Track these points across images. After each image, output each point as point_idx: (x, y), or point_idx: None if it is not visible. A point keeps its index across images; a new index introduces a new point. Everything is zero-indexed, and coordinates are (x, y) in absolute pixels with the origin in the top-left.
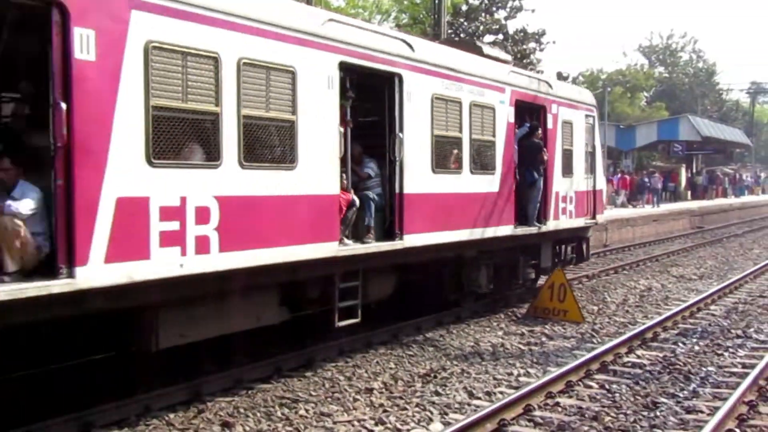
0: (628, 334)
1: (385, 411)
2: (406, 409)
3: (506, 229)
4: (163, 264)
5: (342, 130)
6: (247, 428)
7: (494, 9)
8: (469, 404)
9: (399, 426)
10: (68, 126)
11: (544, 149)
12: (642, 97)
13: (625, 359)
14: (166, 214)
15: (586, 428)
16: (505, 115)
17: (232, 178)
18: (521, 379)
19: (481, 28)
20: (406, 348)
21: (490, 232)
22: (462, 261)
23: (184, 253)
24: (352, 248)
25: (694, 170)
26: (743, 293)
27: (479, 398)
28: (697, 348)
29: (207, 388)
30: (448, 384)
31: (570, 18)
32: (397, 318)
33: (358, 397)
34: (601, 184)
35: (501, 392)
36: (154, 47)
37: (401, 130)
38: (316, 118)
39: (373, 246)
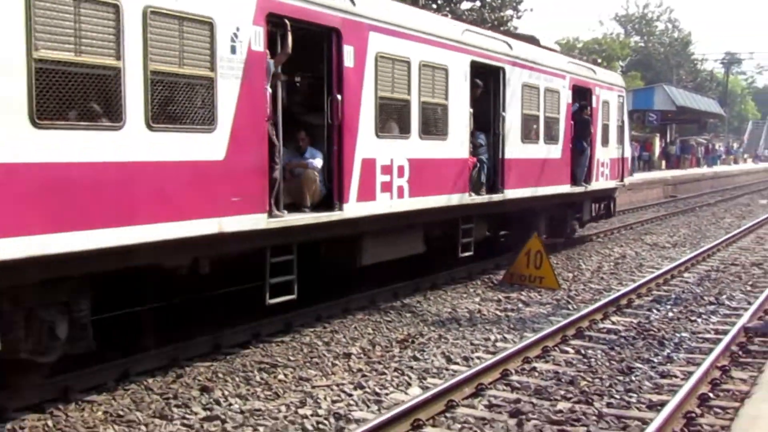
0: (603, 301)
1: (363, 376)
2: (384, 373)
3: (565, 188)
4: (381, 204)
5: (471, 110)
6: (226, 392)
7: None
8: (447, 369)
9: (378, 390)
10: (341, 111)
11: (591, 124)
12: (618, 66)
13: (601, 325)
14: (384, 170)
15: (562, 392)
16: (566, 97)
17: (415, 145)
18: (498, 344)
19: None
20: (383, 314)
21: (555, 189)
22: (534, 212)
23: (391, 197)
24: (475, 198)
25: (668, 140)
26: (716, 261)
27: (457, 363)
28: (671, 314)
29: (185, 353)
30: (425, 349)
31: None
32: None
33: (336, 362)
34: (628, 152)
35: (478, 357)
36: (380, 56)
37: (504, 110)
38: (458, 102)
39: (486, 197)
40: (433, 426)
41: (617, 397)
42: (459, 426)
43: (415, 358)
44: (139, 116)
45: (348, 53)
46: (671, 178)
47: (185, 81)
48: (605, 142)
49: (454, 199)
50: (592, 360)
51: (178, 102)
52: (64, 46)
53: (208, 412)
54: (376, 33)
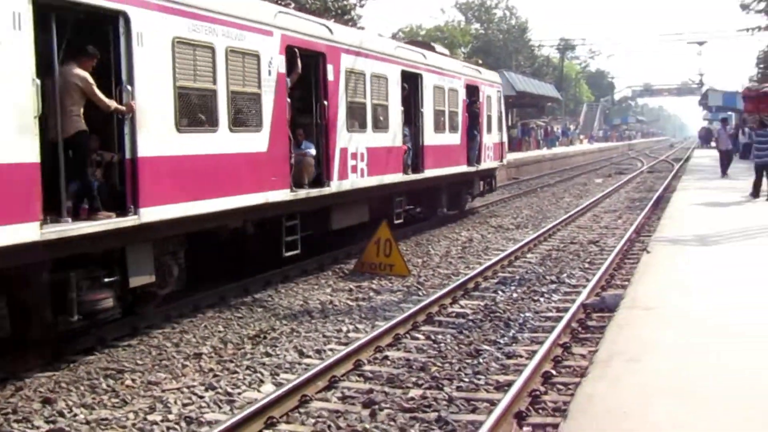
0: (452, 285)
1: (215, 375)
2: (236, 372)
3: (463, 168)
4: (351, 181)
5: (402, 108)
6: (70, 403)
7: None
8: (299, 363)
9: (230, 390)
10: (326, 114)
11: (480, 116)
12: (460, 53)
13: (450, 309)
14: (353, 156)
15: (414, 379)
16: (462, 94)
17: (370, 137)
18: (350, 335)
19: None
20: (234, 310)
21: (457, 169)
22: (441, 187)
23: (357, 176)
24: (409, 176)
25: (510, 123)
26: (556, 240)
27: (310, 357)
28: (515, 295)
29: (25, 364)
30: (278, 344)
31: None
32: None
33: (186, 363)
34: (505, 138)
35: (331, 349)
36: (347, 71)
37: (422, 107)
38: (394, 103)
39: (413, 176)
40: (287, 423)
41: (466, 380)
42: (313, 421)
43: (268, 354)
44: (225, 122)
45: (330, 70)
46: (513, 161)
47: (246, 96)
48: (489, 129)
49: (396, 178)
50: (442, 345)
51: (243, 111)
52: (189, 77)
53: (52, 425)
54: (346, 54)
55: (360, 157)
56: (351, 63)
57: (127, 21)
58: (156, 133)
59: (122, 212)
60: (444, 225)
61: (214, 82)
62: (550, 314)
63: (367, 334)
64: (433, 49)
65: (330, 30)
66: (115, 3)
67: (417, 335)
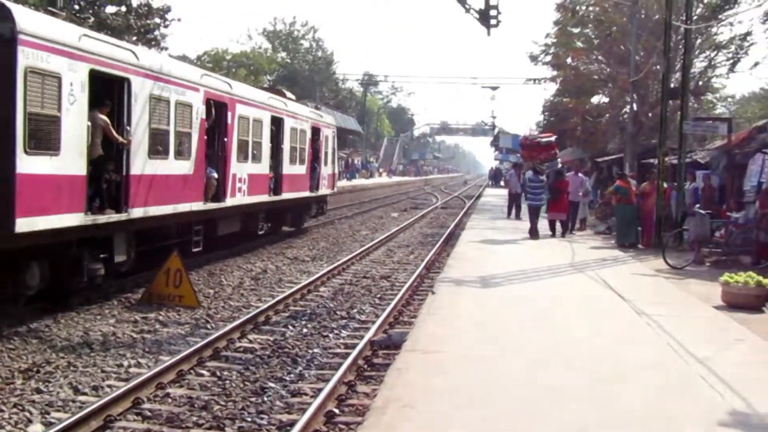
0: (241, 319)
1: None
2: (1, 410)
3: (306, 193)
4: (237, 199)
5: (270, 144)
6: None
7: None
8: (74, 401)
9: None
10: (225, 147)
11: (320, 152)
12: (265, 80)
13: (238, 344)
14: (240, 180)
15: (195, 418)
16: (309, 134)
17: (251, 166)
18: (132, 370)
19: None
20: (6, 341)
21: (302, 194)
22: (291, 207)
23: (242, 195)
24: (272, 198)
25: None
26: (349, 274)
27: (85, 393)
28: (305, 330)
29: None
30: (51, 379)
31: None
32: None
33: None
34: (336, 170)
35: (109, 386)
36: (239, 116)
37: (283, 144)
38: (267, 139)
39: (275, 197)
40: None
41: (249, 420)
42: None
43: (39, 391)
44: (173, 152)
45: (229, 116)
46: None
47: (184, 134)
48: (326, 162)
49: (264, 197)
50: (227, 382)
51: (182, 144)
52: (156, 121)
53: None
54: (239, 104)
55: (243, 181)
56: (242, 110)
57: (129, 84)
58: (139, 159)
59: (118, 210)
60: (239, 255)
61: (168, 124)
62: (338, 350)
63: (149, 370)
64: (283, 95)
65: (230, 86)
66: (122, 72)
67: (202, 371)
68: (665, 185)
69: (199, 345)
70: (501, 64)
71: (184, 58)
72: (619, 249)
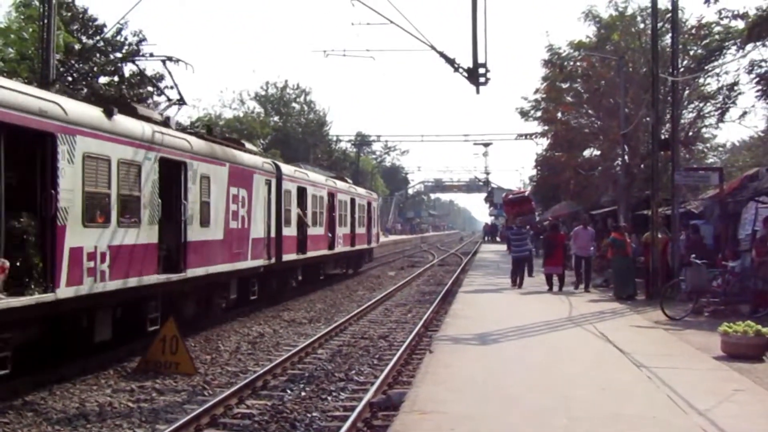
0: (239, 385)
1: None
2: None
3: (325, 251)
4: (339, 248)
5: (351, 215)
6: None
7: (110, 50)
8: None
9: None
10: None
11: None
12: (259, 144)
13: (236, 410)
14: (340, 237)
15: None
16: (366, 207)
17: (344, 230)
18: None
19: (96, 69)
20: (0, 415)
21: (323, 252)
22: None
23: (342, 246)
24: (355, 247)
25: None
26: (347, 335)
27: None
28: (303, 394)
29: None
30: None
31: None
32: None
33: None
34: (379, 230)
35: None
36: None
37: (356, 214)
38: (349, 211)
39: (354, 247)
40: None
41: None
42: None
43: None
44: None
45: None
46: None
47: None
48: (375, 225)
49: (349, 248)
50: None
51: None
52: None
53: None
54: (339, 193)
55: (342, 237)
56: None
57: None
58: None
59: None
60: (234, 319)
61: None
62: (336, 413)
63: None
64: (351, 182)
65: (307, 174)
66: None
67: None
68: (660, 235)
69: (196, 412)
70: (492, 120)
71: (177, 125)
72: (617, 301)
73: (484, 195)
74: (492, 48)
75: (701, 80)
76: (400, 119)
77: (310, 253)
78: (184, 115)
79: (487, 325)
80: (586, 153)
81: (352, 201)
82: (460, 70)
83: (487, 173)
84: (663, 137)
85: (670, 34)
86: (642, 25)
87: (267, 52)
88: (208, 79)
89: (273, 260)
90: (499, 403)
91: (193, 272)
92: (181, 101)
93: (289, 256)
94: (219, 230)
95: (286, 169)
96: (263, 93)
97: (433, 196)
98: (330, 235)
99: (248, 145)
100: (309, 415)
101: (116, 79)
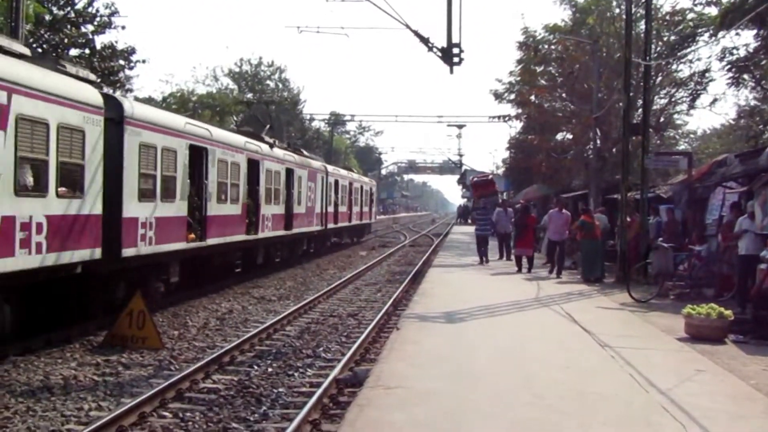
0: (206, 359)
1: None
2: None
3: (367, 220)
4: (339, 224)
5: (359, 197)
6: None
7: (81, 22)
8: None
9: None
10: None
11: (372, 198)
12: (232, 121)
13: (202, 385)
14: (340, 214)
15: None
16: (368, 192)
17: (344, 207)
18: (92, 413)
19: (66, 41)
20: None
21: (367, 220)
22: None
23: (342, 221)
24: (357, 222)
25: None
26: (316, 313)
27: None
28: (270, 370)
29: None
30: (9, 425)
31: (167, 37)
32: None
33: None
34: (375, 208)
35: (69, 430)
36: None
37: (360, 196)
38: (359, 195)
39: (356, 222)
40: None
41: None
42: None
43: None
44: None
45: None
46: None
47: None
48: (374, 205)
49: (351, 222)
50: (190, 423)
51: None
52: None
53: None
54: (340, 178)
55: (342, 215)
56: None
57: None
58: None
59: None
60: (204, 295)
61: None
62: (303, 389)
63: (110, 413)
64: (355, 171)
65: (325, 167)
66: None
67: (164, 413)
68: (628, 218)
69: (161, 386)
70: (466, 102)
71: (150, 100)
72: (584, 283)
73: (457, 177)
74: (467, 29)
75: (673, 66)
76: (374, 99)
77: (340, 224)
78: (156, 90)
79: (455, 304)
80: (559, 136)
81: (361, 188)
82: (435, 49)
83: (461, 155)
84: (635, 122)
85: (644, 20)
86: (618, 10)
87: (241, 28)
88: (181, 54)
89: (324, 227)
90: (464, 379)
91: (360, 221)
92: None
93: (330, 225)
94: (367, 207)
95: (332, 169)
96: (237, 70)
97: (406, 177)
98: (349, 212)
99: (355, 171)
100: (275, 390)
101: (87, 51)
